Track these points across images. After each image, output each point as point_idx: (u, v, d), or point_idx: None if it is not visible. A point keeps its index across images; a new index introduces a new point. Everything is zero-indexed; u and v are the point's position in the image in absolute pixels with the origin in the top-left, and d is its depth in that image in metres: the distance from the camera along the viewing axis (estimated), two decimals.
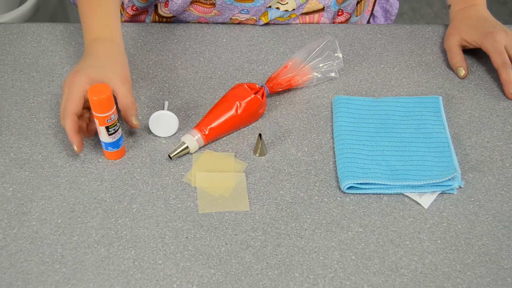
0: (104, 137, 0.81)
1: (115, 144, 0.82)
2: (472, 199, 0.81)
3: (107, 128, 0.79)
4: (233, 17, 1.06)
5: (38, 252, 0.74)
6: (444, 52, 1.04)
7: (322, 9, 1.07)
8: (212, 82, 0.97)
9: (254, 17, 1.06)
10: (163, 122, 0.87)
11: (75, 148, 0.81)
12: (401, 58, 1.03)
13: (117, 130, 0.81)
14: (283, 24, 1.08)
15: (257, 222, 0.78)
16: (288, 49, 1.04)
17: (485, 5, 1.04)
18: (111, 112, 0.78)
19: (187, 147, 0.85)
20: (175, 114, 0.87)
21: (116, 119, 0.80)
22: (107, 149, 0.83)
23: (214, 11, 1.05)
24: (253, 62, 1.01)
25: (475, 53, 1.03)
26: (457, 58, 0.99)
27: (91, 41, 0.88)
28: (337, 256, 0.74)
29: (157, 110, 0.87)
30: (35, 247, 0.75)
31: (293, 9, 1.04)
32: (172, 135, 0.88)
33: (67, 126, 0.80)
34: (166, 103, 0.91)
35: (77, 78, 0.81)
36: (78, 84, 0.80)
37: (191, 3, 1.04)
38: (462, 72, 0.98)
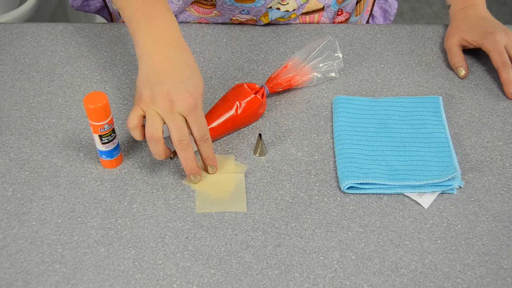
0: (98, 144, 0.80)
1: (109, 154, 0.82)
2: (472, 199, 0.81)
3: (100, 137, 0.79)
4: (233, 18, 1.06)
5: (38, 252, 0.74)
6: (444, 52, 1.04)
7: (322, 9, 1.07)
8: (212, 82, 0.97)
9: (255, 18, 1.06)
10: None
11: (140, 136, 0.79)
12: (401, 58, 1.03)
13: (112, 140, 0.80)
14: (283, 24, 1.08)
15: (257, 222, 0.78)
16: (288, 49, 1.04)
17: (484, 5, 1.04)
18: (106, 121, 0.77)
19: None
20: None
21: (111, 129, 0.79)
22: (101, 156, 0.82)
23: (214, 11, 1.05)
24: (253, 62, 1.01)
25: (475, 53, 1.03)
26: (457, 58, 0.99)
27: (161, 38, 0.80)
28: (337, 256, 0.74)
29: None
30: (35, 247, 0.75)
31: (294, 9, 1.04)
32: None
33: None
34: None
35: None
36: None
37: (191, 3, 1.04)
38: (462, 72, 0.98)
